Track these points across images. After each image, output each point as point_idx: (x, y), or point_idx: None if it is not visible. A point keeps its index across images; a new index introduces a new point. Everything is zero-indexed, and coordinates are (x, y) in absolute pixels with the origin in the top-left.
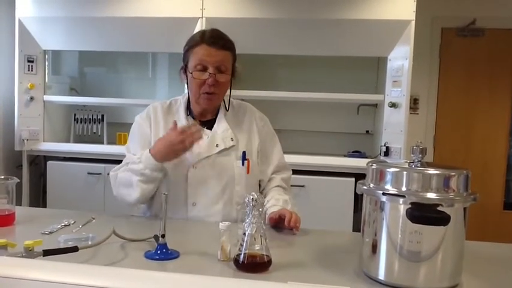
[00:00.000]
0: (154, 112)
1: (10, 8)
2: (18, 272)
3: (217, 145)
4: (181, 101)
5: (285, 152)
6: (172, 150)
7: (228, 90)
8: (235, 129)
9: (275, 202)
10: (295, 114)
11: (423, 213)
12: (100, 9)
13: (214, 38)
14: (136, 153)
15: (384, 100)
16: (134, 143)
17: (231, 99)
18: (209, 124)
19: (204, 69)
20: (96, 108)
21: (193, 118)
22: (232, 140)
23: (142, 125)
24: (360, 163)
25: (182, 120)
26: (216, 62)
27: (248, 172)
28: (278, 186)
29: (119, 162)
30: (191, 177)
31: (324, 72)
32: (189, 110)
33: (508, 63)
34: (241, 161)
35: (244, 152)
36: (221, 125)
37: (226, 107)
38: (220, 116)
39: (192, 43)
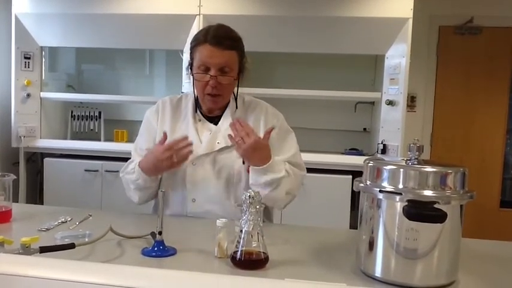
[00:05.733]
0: (163, 107)
1: (6, 4)
2: (15, 268)
3: (218, 142)
4: (191, 96)
5: None
6: (158, 166)
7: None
8: None
9: None
10: (292, 112)
11: (420, 211)
12: (97, 6)
13: (218, 38)
14: (143, 147)
15: (381, 98)
16: (141, 137)
17: (244, 95)
18: (217, 120)
19: (207, 70)
20: (93, 105)
21: (202, 114)
22: None
23: (150, 120)
24: (357, 160)
25: (190, 115)
26: (219, 64)
27: (249, 171)
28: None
29: (115, 159)
30: (190, 174)
31: (321, 70)
32: (198, 106)
33: (505, 61)
34: (242, 159)
35: None
36: (226, 122)
37: (235, 104)
38: (227, 112)
39: (196, 42)
